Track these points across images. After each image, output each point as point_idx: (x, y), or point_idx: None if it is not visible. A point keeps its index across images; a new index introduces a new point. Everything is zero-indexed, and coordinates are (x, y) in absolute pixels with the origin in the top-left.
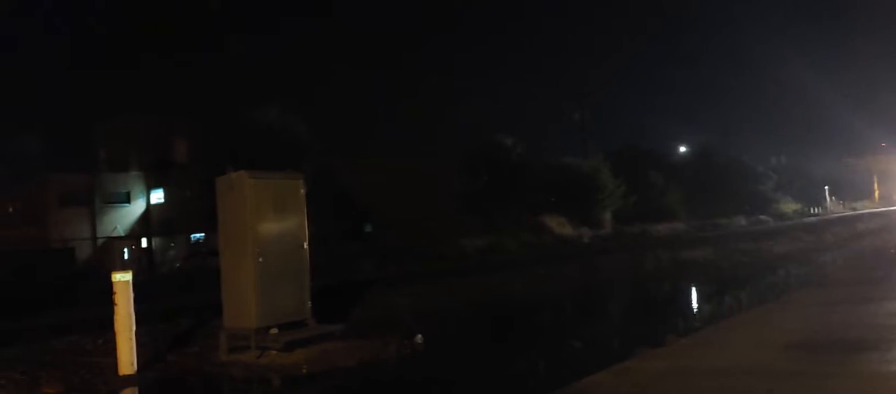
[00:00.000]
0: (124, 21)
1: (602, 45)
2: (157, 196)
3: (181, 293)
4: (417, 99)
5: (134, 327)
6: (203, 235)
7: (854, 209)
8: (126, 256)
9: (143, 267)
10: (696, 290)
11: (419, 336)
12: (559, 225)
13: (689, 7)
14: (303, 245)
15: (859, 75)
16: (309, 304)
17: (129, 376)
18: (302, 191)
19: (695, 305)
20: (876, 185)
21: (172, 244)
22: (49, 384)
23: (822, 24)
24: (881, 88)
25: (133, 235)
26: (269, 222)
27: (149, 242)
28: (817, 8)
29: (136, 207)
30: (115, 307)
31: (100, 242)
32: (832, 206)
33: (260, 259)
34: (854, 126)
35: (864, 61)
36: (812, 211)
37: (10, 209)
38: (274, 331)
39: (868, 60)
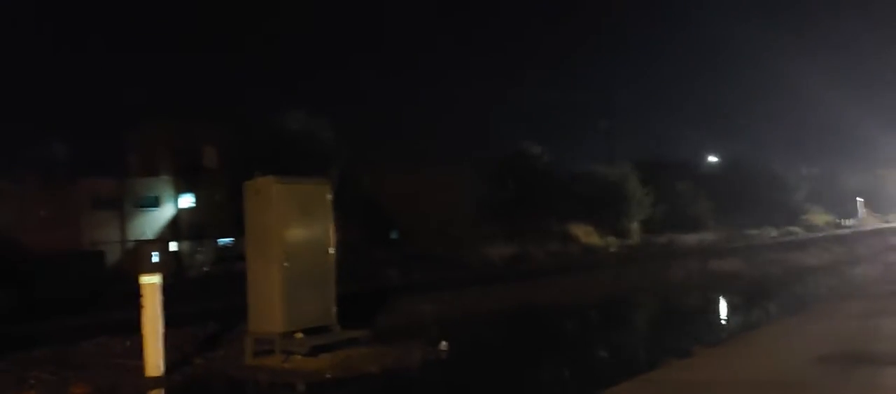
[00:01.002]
0: (154, 24)
1: (631, 55)
2: (186, 200)
3: (208, 297)
4: (443, 106)
5: (161, 330)
6: (231, 239)
7: (887, 221)
8: (155, 260)
9: (171, 270)
10: (725, 300)
11: (444, 343)
12: (586, 234)
13: (718, 19)
14: (328, 251)
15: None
16: (334, 309)
17: (156, 378)
18: (328, 197)
19: (723, 315)
20: None
21: (200, 248)
22: (78, 385)
23: (853, 36)
24: None
25: (162, 239)
26: (296, 228)
27: (177, 245)
28: (847, 23)
29: (166, 211)
30: (143, 310)
31: (129, 245)
32: (865, 217)
33: (286, 264)
34: (888, 137)
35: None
36: (843, 222)
37: (42, 213)
38: (299, 336)
39: None
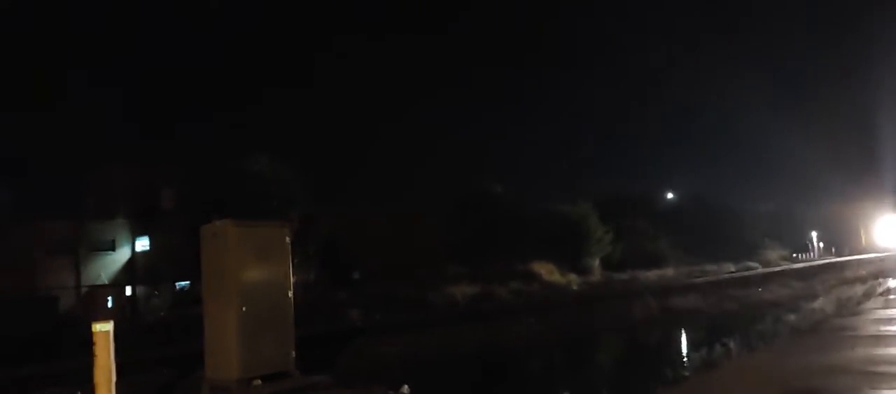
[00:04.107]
0: (110, 67)
1: (593, 92)
2: (143, 244)
3: (164, 343)
4: (406, 146)
5: (114, 379)
6: (188, 282)
7: (841, 255)
8: (110, 305)
9: (127, 315)
10: (686, 338)
11: (406, 387)
12: (548, 272)
13: (677, 59)
14: (287, 294)
15: (849, 125)
16: (293, 354)
17: None
18: (287, 239)
19: (684, 353)
20: (862, 231)
21: (157, 292)
22: None
23: (810, 76)
24: (872, 138)
25: (118, 283)
26: (253, 271)
27: (133, 290)
28: (803, 62)
29: (122, 255)
30: (95, 359)
31: (84, 290)
32: (820, 252)
33: (243, 309)
34: (842, 174)
35: (854, 112)
36: (799, 257)
37: None
38: (257, 382)
39: (858, 111)
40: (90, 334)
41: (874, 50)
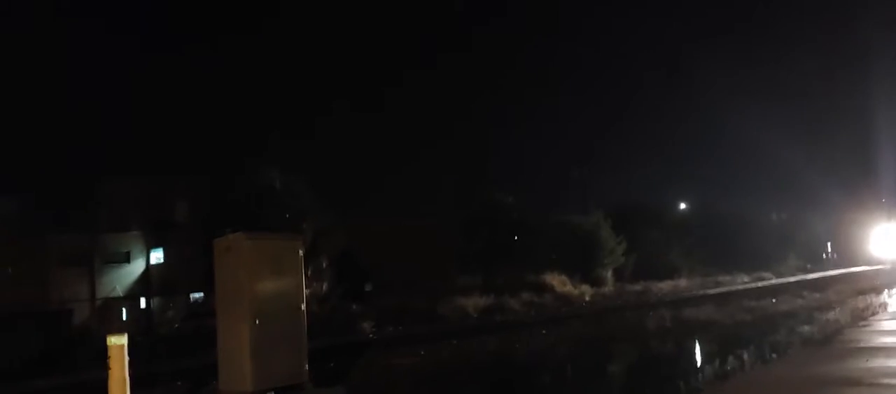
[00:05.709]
0: (119, 76)
1: (604, 99)
2: (157, 256)
3: (179, 355)
4: (417, 159)
5: (129, 392)
6: (202, 294)
7: (856, 265)
8: (124, 317)
9: (142, 328)
10: (700, 349)
11: None
12: (560, 283)
13: (690, 67)
14: (300, 307)
15: (861, 133)
16: (306, 366)
17: None
18: (300, 252)
19: (698, 365)
20: (875, 241)
21: (171, 305)
22: None
23: (820, 90)
24: (882, 146)
25: (132, 296)
26: (266, 284)
27: (148, 302)
28: (814, 71)
29: (136, 267)
30: (110, 372)
31: (98, 302)
32: (835, 262)
33: (256, 321)
34: (854, 182)
35: (864, 121)
36: (813, 267)
37: (9, 270)
38: None
39: (869, 119)
40: (105, 346)
41: (878, 61)
